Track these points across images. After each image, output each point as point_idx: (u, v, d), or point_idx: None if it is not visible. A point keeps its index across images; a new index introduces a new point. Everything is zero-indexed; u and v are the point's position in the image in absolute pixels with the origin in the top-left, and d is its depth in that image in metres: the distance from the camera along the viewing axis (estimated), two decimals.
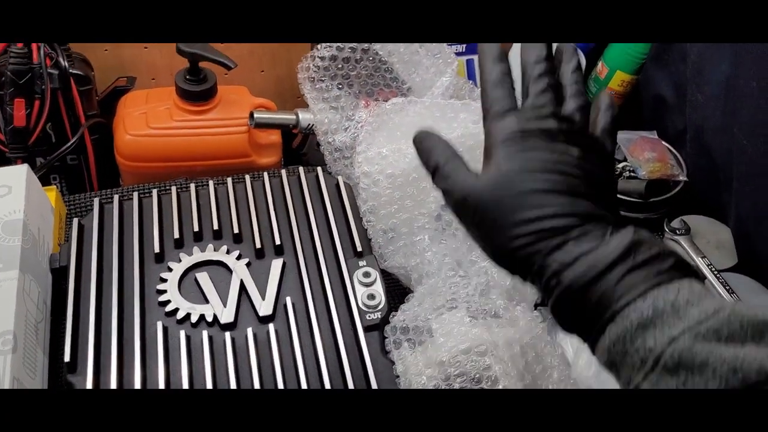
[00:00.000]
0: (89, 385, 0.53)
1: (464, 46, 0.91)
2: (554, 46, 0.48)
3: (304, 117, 0.79)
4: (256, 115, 0.78)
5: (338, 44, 0.72)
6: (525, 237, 0.39)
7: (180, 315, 0.58)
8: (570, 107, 0.44)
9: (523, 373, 0.53)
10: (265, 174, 0.71)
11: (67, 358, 0.55)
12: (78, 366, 0.55)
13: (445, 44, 0.74)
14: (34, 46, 0.72)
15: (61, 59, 0.73)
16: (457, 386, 0.52)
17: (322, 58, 0.73)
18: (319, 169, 0.72)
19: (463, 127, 0.64)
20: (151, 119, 0.78)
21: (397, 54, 0.73)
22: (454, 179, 0.42)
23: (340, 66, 0.73)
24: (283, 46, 0.91)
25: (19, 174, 0.64)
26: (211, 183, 0.69)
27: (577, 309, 0.39)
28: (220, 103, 0.80)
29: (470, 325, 0.53)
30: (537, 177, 0.40)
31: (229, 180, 0.70)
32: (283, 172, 0.71)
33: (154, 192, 0.68)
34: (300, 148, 0.87)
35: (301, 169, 0.72)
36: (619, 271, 0.37)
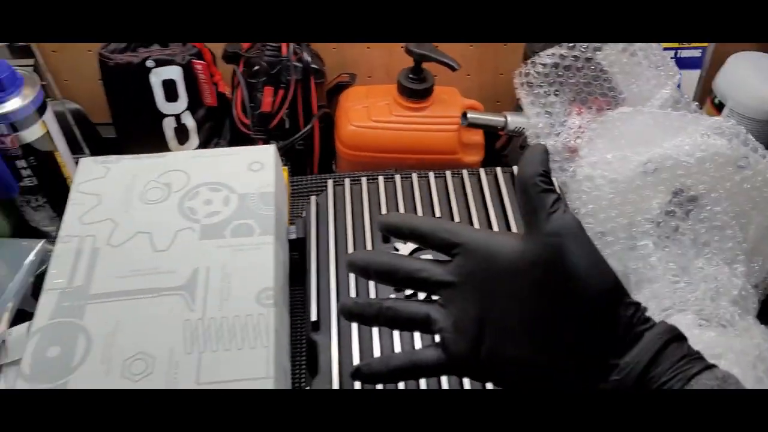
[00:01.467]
0: (334, 344, 0.59)
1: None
2: None
3: (512, 120, 0.82)
4: (469, 115, 0.82)
5: (562, 52, 0.75)
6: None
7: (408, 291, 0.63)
8: None
9: (754, 386, 0.52)
10: (464, 171, 0.75)
11: (313, 317, 0.61)
12: (321, 325, 0.62)
13: (668, 56, 0.75)
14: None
15: (305, 55, 0.81)
16: None
17: (544, 65, 0.76)
18: (514, 168, 0.74)
19: (691, 139, 0.64)
20: (372, 113, 0.85)
21: (618, 64, 0.75)
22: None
23: (560, 73, 0.76)
24: (490, 53, 0.95)
25: (269, 153, 0.72)
26: (414, 176, 0.74)
27: None
28: (434, 102, 0.85)
29: (702, 328, 0.54)
30: None
31: (431, 174, 0.74)
32: (482, 171, 0.75)
33: (363, 180, 0.73)
34: (502, 150, 0.91)
35: (498, 169, 0.75)
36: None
